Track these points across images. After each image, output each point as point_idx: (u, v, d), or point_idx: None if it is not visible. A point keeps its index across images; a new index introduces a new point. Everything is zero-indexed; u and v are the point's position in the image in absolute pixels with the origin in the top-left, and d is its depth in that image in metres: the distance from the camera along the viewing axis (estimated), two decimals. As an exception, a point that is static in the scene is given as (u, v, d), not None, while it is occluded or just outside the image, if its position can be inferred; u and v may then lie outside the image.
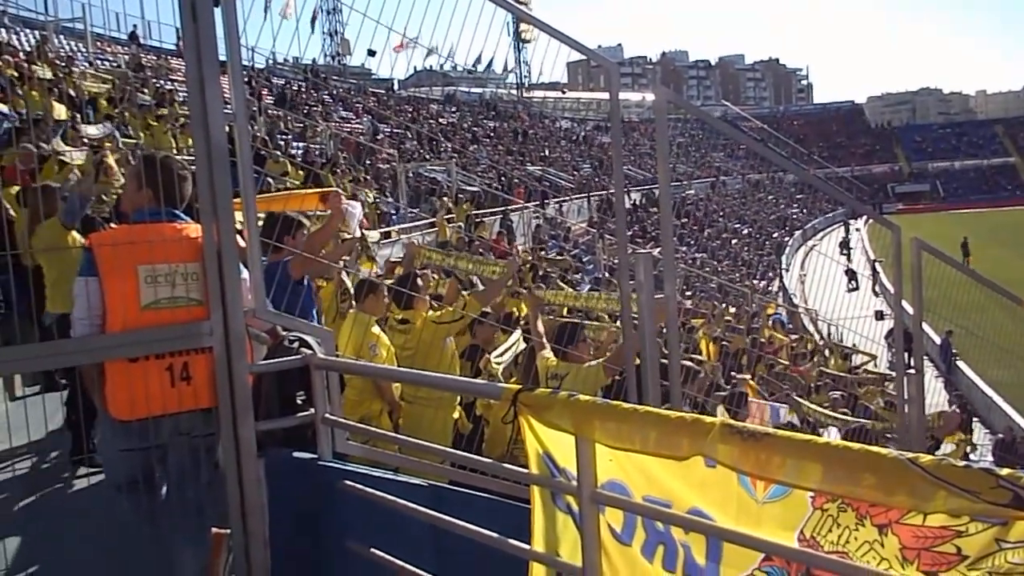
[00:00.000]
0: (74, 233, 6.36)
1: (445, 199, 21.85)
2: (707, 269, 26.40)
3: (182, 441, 3.41)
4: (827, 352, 19.27)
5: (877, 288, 30.56)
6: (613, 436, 2.12)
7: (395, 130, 34.75)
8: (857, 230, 46.97)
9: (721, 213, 47.52)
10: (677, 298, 5.69)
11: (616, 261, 19.88)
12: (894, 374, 10.53)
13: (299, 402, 3.57)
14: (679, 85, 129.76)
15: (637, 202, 37.22)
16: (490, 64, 64.66)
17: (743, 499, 1.96)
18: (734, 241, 40.00)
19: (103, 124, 12.56)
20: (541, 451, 2.39)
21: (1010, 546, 1.50)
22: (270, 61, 35.74)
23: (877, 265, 31.45)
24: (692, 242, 34.51)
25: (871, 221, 41.08)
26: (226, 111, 3.33)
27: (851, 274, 28.41)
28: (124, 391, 3.32)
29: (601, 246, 23.88)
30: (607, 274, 20.02)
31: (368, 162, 23.95)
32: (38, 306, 6.24)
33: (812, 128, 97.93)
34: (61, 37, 23.30)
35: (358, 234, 8.09)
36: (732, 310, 18.62)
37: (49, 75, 15.25)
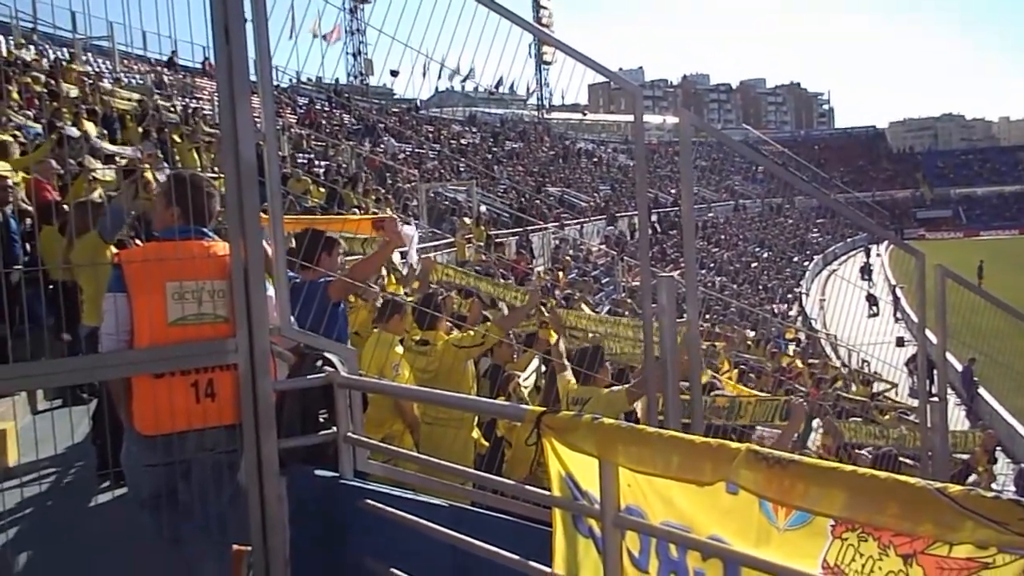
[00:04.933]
0: (112, 248, 6.39)
1: (465, 219, 21.95)
2: (727, 292, 26.31)
3: (205, 457, 3.44)
4: (847, 378, 19.11)
5: (898, 314, 30.32)
6: (636, 460, 2.12)
7: (416, 150, 34.95)
8: (878, 255, 46.72)
9: (741, 237, 47.45)
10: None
11: (635, 283, 19.91)
12: (916, 403, 10.44)
13: (321, 420, 3.59)
14: (700, 108, 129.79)
15: (656, 225, 37.15)
16: (512, 86, 65.03)
17: (763, 526, 1.94)
18: (754, 265, 39.88)
19: (146, 143, 12.62)
20: (564, 473, 2.39)
21: (1039, 578, 1.49)
22: (293, 80, 36.11)
23: (898, 291, 31.22)
24: (712, 265, 34.47)
25: (892, 246, 40.92)
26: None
27: (872, 299, 28.21)
28: (150, 406, 3.35)
29: (620, 268, 23.88)
30: (625, 295, 20.02)
31: (390, 182, 24.10)
32: (70, 319, 6.29)
33: (833, 153, 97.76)
34: (88, 55, 23.64)
35: (415, 259, 8.06)
36: (751, 334, 18.56)
37: (76, 92, 15.44)
